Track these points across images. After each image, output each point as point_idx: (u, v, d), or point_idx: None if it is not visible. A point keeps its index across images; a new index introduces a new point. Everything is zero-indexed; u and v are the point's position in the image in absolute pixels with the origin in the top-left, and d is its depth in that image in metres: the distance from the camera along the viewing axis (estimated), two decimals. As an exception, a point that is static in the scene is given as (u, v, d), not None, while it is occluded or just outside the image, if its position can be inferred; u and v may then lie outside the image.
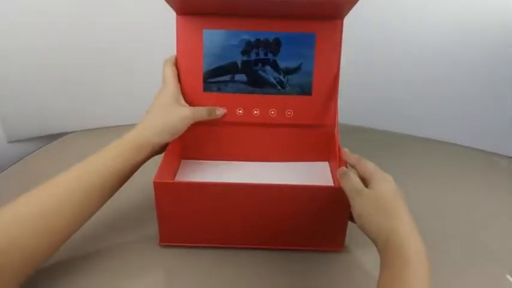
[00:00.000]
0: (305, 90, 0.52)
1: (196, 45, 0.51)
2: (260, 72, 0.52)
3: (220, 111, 0.52)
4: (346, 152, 0.45)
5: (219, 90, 0.52)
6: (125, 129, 0.44)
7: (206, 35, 0.50)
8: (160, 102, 0.48)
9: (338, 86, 0.51)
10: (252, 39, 0.50)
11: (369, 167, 0.39)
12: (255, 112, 0.53)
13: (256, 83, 0.52)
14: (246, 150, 0.55)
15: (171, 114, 0.47)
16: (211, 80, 0.51)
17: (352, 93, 0.61)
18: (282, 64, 0.51)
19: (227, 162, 0.55)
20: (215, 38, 0.50)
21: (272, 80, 0.52)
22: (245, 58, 0.51)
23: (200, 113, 0.50)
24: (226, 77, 0.51)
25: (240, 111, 0.53)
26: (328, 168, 0.55)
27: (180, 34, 0.50)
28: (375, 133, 0.76)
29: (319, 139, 0.54)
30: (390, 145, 0.72)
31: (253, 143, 0.54)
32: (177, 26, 0.50)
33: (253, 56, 0.51)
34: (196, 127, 0.49)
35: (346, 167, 0.43)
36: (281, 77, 0.52)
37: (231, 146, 0.55)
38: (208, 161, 0.55)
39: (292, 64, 0.51)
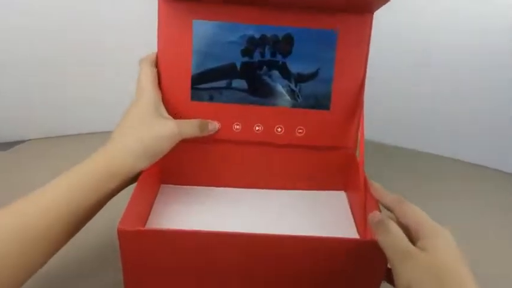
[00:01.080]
0: (321, 102, 0.41)
1: (184, 40, 0.39)
2: (265, 78, 0.40)
3: (214, 126, 0.41)
4: (378, 188, 0.34)
5: (211, 99, 0.40)
6: (90, 138, 0.33)
7: (197, 27, 0.39)
8: (135, 115, 0.36)
9: (363, 98, 0.40)
10: (256, 35, 0.39)
11: (416, 214, 0.29)
12: (257, 128, 0.41)
13: (260, 92, 0.40)
14: (243, 175, 0.43)
15: (151, 131, 0.35)
16: (202, 86, 0.40)
17: (371, 104, 0.51)
18: (294, 68, 0.40)
19: (220, 189, 0.44)
20: (208, 32, 0.39)
21: (280, 88, 0.40)
22: (246, 59, 0.40)
23: (190, 128, 0.38)
24: (221, 83, 0.40)
25: (238, 127, 0.41)
26: (346, 200, 0.43)
27: (163, 26, 0.39)
28: (396, 151, 0.65)
29: (335, 163, 0.43)
30: (414, 166, 0.61)
31: (253, 166, 0.43)
32: (159, 15, 0.39)
33: (256, 57, 0.40)
34: (180, 144, 0.37)
35: (379, 210, 0.32)
36: (292, 85, 0.40)
37: (225, 169, 0.43)
38: (196, 188, 0.43)
39: (307, 69, 0.40)
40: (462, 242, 0.27)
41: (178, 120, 0.38)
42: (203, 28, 0.39)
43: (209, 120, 0.40)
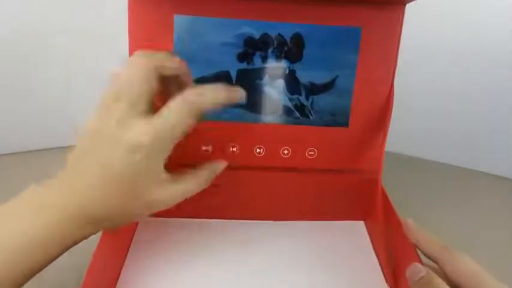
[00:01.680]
0: (339, 119, 0.32)
1: (162, 42, 0.30)
2: (268, 89, 0.32)
3: (221, 166, 0.30)
4: (414, 230, 0.27)
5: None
6: (35, 156, 0.25)
7: (179, 24, 0.30)
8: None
9: (391, 112, 0.32)
10: (256, 35, 0.31)
11: (470, 269, 0.22)
12: (258, 151, 0.33)
13: (261, 108, 0.32)
14: (242, 205, 0.35)
15: (141, 197, 0.25)
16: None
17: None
18: (305, 77, 0.32)
19: (215, 221, 0.36)
20: (194, 31, 0.30)
21: (287, 102, 0.32)
22: (244, 66, 0.31)
23: (195, 185, 0.28)
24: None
25: (234, 150, 0.33)
26: (365, 232, 0.36)
27: (134, 24, 0.30)
28: (418, 163, 0.57)
29: (353, 189, 0.35)
30: (441, 179, 0.53)
31: (254, 194, 0.35)
32: (129, 9, 0.30)
33: (257, 63, 0.31)
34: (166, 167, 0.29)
35: (416, 256, 0.25)
36: (302, 98, 0.32)
37: (220, 198, 0.35)
38: (186, 220, 0.36)
39: (322, 78, 0.32)
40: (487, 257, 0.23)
41: (182, 175, 0.27)
42: (187, 26, 0.30)
43: (219, 162, 0.30)
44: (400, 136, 0.51)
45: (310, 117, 0.32)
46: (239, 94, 0.28)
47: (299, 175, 0.34)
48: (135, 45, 0.31)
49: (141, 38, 0.30)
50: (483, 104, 0.50)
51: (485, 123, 0.51)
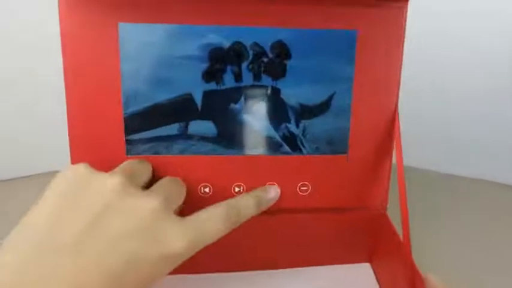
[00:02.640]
0: (336, 146, 0.26)
1: (106, 58, 0.23)
2: (245, 116, 0.25)
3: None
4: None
5: (158, 151, 0.25)
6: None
7: (125, 34, 0.23)
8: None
9: (398, 133, 0.26)
10: (226, 44, 0.24)
11: None
12: (237, 189, 0.26)
13: (237, 141, 0.25)
14: (226, 256, 0.28)
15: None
16: (139, 135, 0.24)
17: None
18: (292, 98, 0.25)
19: (198, 277, 0.29)
20: (145, 43, 0.23)
21: (272, 133, 0.25)
22: (212, 86, 0.24)
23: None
24: (171, 129, 0.24)
25: (207, 190, 0.26)
26: (372, 275, 0.30)
27: (68, 36, 0.23)
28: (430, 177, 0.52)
29: (356, 228, 0.29)
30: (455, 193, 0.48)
31: (238, 242, 0.28)
32: (60, 15, 0.23)
33: (228, 82, 0.24)
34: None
35: None
36: (291, 125, 0.25)
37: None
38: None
39: (314, 97, 0.25)
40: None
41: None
42: (136, 36, 0.23)
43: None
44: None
45: (304, 150, 0.25)
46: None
47: (290, 217, 0.27)
48: (70, 63, 0.23)
49: (77, 54, 0.23)
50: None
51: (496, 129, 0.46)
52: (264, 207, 0.25)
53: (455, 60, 0.42)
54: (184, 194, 0.23)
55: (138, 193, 0.19)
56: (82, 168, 0.19)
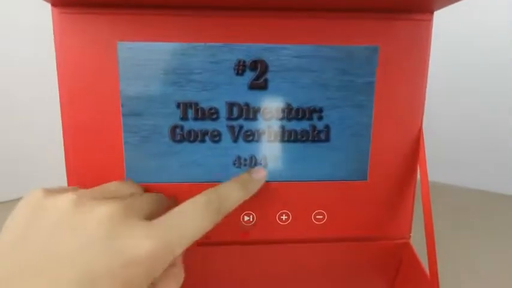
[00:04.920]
0: (354, 170, 0.24)
1: (104, 82, 0.22)
2: (253, 143, 0.23)
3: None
4: None
5: (161, 179, 0.23)
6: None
7: (125, 54, 0.22)
8: None
9: (424, 155, 0.23)
10: (245, 59, 0.22)
11: None
12: (246, 218, 0.24)
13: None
14: (238, 286, 0.26)
15: None
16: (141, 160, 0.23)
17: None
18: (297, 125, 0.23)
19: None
20: (143, 61, 0.22)
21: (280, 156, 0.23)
22: (231, 122, 0.22)
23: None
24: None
25: (214, 220, 0.24)
26: (394, 309, 0.27)
27: (62, 57, 0.21)
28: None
29: (376, 259, 0.26)
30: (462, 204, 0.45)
31: (247, 276, 0.26)
32: (55, 38, 0.21)
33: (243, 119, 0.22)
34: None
35: None
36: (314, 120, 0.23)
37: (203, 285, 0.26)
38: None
39: (331, 117, 0.23)
40: None
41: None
42: (137, 56, 0.21)
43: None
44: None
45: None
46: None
47: (304, 247, 0.25)
48: (66, 88, 0.22)
49: (73, 76, 0.22)
50: None
51: None
52: (252, 189, 0.22)
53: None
54: (165, 205, 0.21)
55: (92, 204, 0.17)
56: (38, 192, 0.18)
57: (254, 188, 0.22)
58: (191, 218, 0.18)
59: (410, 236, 0.26)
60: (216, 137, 0.23)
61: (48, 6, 0.21)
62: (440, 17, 0.23)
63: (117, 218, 0.16)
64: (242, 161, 0.23)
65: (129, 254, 0.16)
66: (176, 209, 0.18)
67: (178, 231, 0.17)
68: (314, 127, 0.23)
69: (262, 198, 0.24)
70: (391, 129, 0.23)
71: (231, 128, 0.22)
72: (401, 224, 0.25)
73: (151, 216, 0.18)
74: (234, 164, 0.23)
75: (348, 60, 0.22)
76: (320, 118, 0.23)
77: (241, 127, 0.22)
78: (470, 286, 0.31)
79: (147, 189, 0.23)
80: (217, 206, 0.19)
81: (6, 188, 0.39)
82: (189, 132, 0.22)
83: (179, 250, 0.17)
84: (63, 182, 0.23)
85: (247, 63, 0.22)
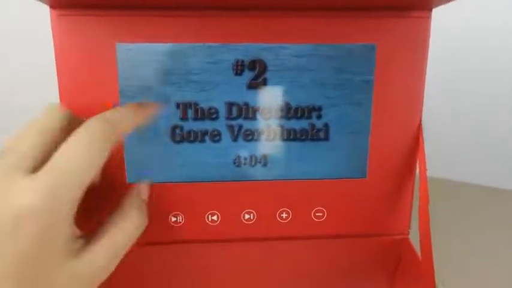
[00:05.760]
0: (353, 167, 0.24)
1: (103, 84, 0.22)
2: (252, 140, 0.23)
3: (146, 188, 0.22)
4: None
5: (162, 179, 0.23)
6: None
7: (124, 55, 0.22)
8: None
9: (423, 152, 0.24)
10: (244, 59, 0.22)
11: None
12: (247, 216, 0.25)
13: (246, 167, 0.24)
14: (238, 284, 0.27)
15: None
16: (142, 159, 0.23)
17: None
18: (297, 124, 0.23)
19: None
20: (142, 62, 0.22)
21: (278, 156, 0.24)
22: (230, 122, 0.23)
23: (125, 234, 0.19)
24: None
25: (214, 218, 0.24)
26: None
27: (62, 58, 0.22)
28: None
29: (375, 255, 0.27)
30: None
31: (247, 274, 0.27)
32: (54, 40, 0.21)
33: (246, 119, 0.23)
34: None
35: None
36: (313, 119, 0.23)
37: (202, 285, 0.27)
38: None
39: (330, 115, 0.23)
40: None
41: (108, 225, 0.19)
42: (136, 57, 0.22)
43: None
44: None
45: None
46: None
47: (304, 244, 0.25)
48: (65, 88, 0.22)
49: (72, 78, 0.22)
50: None
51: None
52: (144, 112, 0.20)
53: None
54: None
55: None
56: None
57: (148, 111, 0.21)
58: (75, 155, 0.16)
59: (409, 232, 0.26)
60: (216, 137, 0.23)
61: (47, 8, 0.21)
62: (439, 14, 0.23)
63: (5, 173, 0.16)
64: (242, 160, 0.23)
65: (18, 206, 0.15)
66: (60, 151, 0.17)
67: (67, 172, 0.16)
68: (313, 126, 0.23)
69: (263, 197, 0.24)
70: (389, 127, 0.24)
71: (231, 128, 0.23)
72: (400, 221, 0.25)
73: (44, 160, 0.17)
74: (234, 163, 0.23)
75: (346, 58, 0.22)
76: (319, 117, 0.23)
77: (240, 127, 0.23)
78: (468, 281, 0.31)
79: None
80: (106, 133, 0.17)
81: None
82: (189, 132, 0.23)
83: (73, 195, 0.16)
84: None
85: (246, 63, 0.22)
